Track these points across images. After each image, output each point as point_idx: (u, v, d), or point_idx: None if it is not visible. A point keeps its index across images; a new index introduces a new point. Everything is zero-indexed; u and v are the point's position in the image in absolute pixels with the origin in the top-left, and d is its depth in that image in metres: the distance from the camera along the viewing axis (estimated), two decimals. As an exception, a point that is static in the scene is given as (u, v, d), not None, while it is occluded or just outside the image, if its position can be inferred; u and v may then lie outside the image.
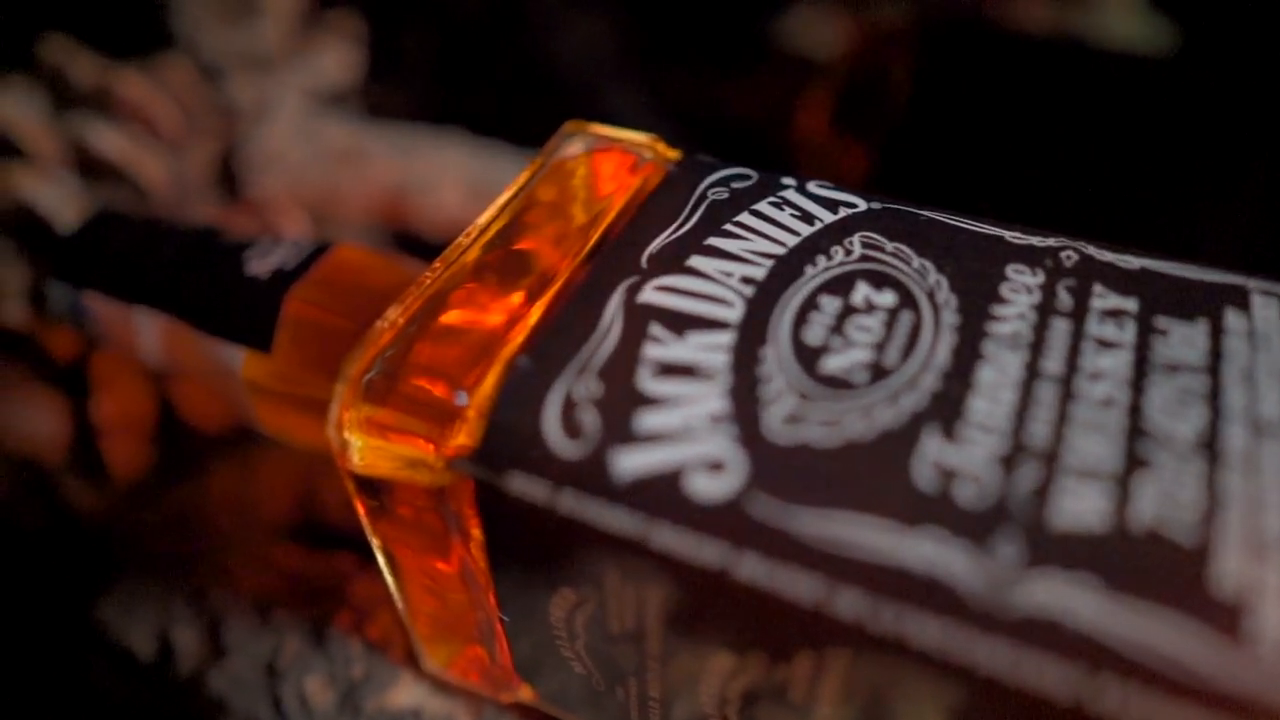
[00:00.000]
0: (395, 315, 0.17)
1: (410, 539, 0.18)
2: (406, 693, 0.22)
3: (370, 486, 0.17)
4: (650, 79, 0.42)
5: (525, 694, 0.20)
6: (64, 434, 0.28)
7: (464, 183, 0.30)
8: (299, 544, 0.28)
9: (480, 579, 0.18)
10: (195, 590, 0.26)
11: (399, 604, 0.20)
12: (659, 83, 0.42)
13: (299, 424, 0.22)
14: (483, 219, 0.19)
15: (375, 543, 0.19)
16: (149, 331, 0.23)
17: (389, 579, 0.19)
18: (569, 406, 0.15)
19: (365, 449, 0.16)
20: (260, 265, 0.22)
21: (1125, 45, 0.41)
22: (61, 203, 0.26)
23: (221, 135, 0.32)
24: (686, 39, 0.42)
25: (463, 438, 0.15)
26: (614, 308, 0.16)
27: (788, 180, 0.19)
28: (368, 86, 0.39)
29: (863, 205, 0.18)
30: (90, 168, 0.29)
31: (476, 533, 0.16)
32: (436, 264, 0.19)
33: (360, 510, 0.18)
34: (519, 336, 0.17)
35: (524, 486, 0.14)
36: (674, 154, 0.21)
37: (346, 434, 0.16)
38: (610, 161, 0.20)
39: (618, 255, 0.17)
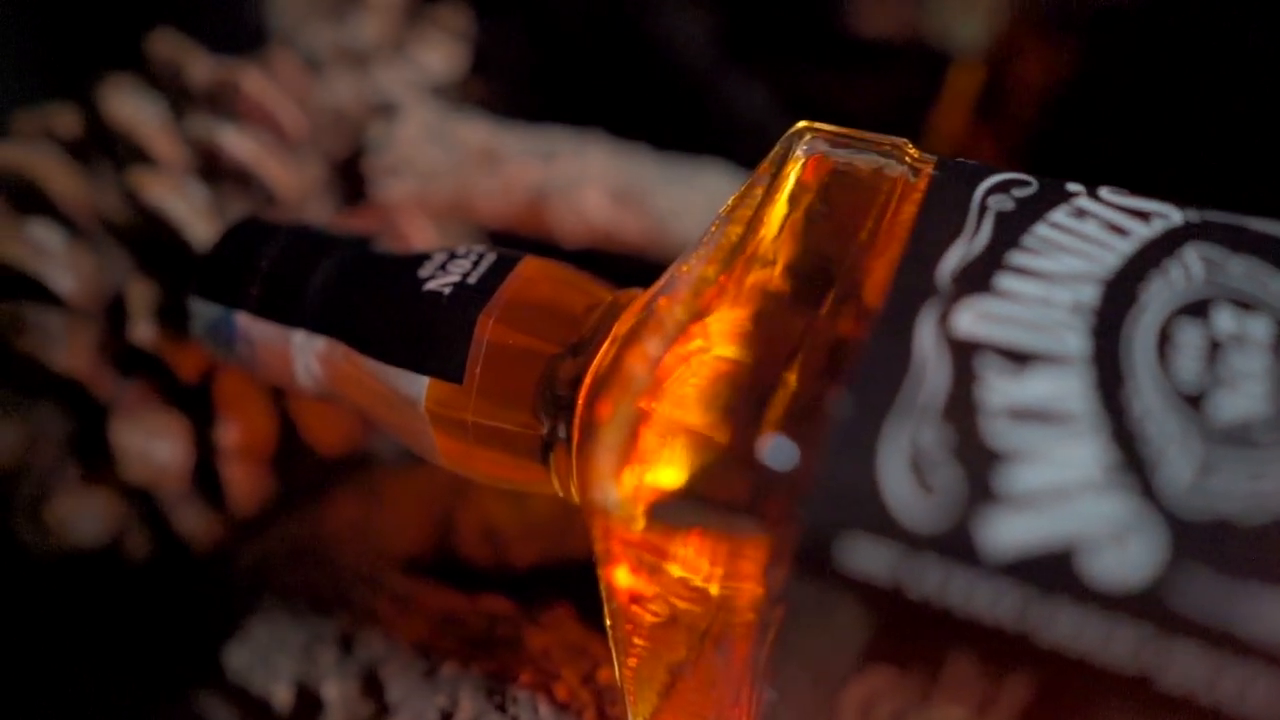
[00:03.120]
0: (652, 349, 0.15)
1: (650, 595, 0.16)
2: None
3: (626, 539, 0.15)
4: (764, 71, 0.39)
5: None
6: (186, 461, 0.26)
7: (607, 186, 0.28)
8: (434, 581, 0.26)
9: (741, 645, 0.15)
10: (341, 634, 0.24)
11: (618, 663, 0.18)
12: (774, 75, 0.39)
13: (490, 459, 0.19)
14: (729, 233, 0.17)
15: (608, 591, 0.16)
16: (308, 357, 0.21)
17: (615, 639, 0.17)
18: (916, 458, 0.12)
19: (634, 501, 0.14)
20: (439, 281, 0.19)
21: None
22: (193, 212, 0.24)
23: (337, 135, 0.30)
24: (804, 30, 0.40)
25: (758, 492, 0.13)
26: (927, 339, 0.14)
27: (1073, 186, 0.16)
28: (469, 82, 0.37)
29: (1177, 215, 0.15)
30: (210, 172, 0.27)
31: (750, 589, 0.14)
32: (669, 284, 0.17)
33: (604, 561, 0.16)
34: (799, 371, 0.14)
35: (859, 554, 0.12)
36: (916, 153, 0.18)
37: (609, 485, 0.14)
38: (853, 167, 0.18)
39: (906, 276, 0.15)
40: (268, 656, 0.24)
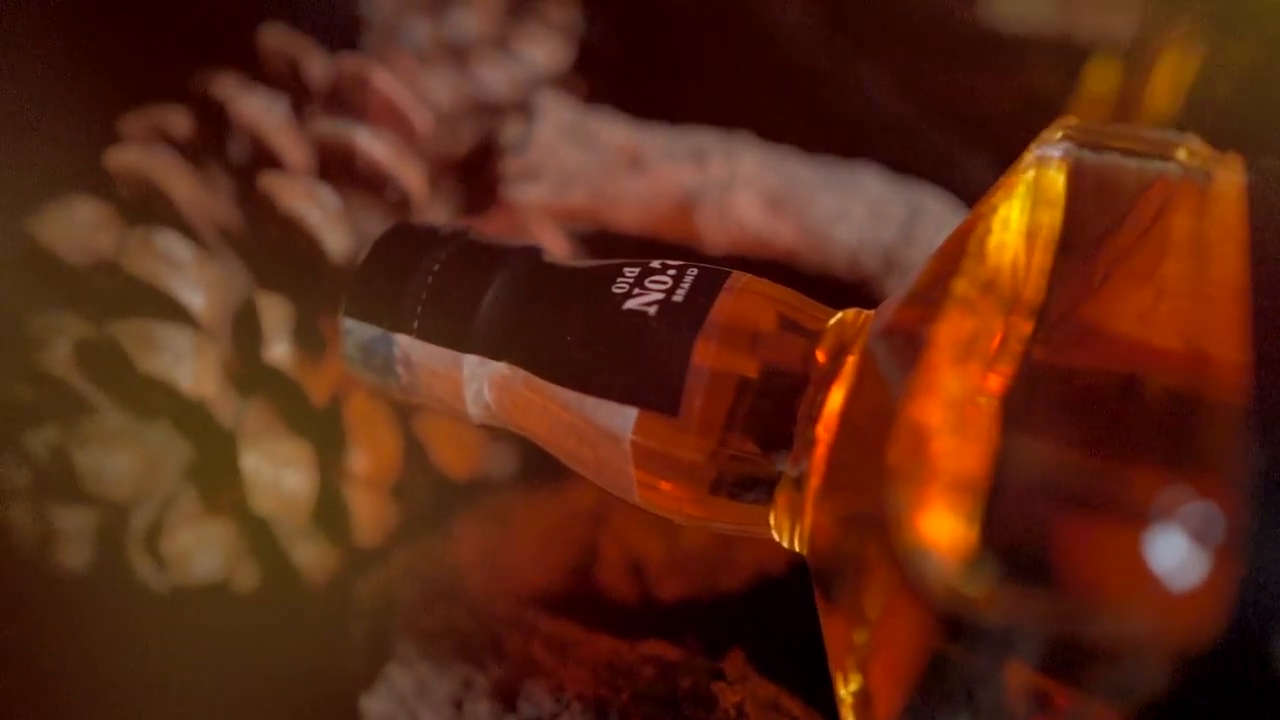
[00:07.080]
0: (952, 386, 0.13)
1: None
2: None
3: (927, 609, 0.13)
4: (889, 65, 0.37)
5: None
6: (310, 490, 0.24)
7: (760, 190, 0.26)
8: (576, 620, 0.24)
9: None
10: (495, 685, 0.21)
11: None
12: (898, 66, 0.37)
13: (699, 498, 0.17)
14: (990, 253, 0.15)
15: (889, 667, 0.14)
16: (481, 384, 0.18)
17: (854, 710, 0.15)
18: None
19: (965, 568, 0.12)
20: (639, 300, 0.17)
21: None
22: (329, 219, 0.22)
23: (441, 133, 0.28)
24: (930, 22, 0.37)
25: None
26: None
27: None
28: (571, 78, 0.35)
29: None
30: (330, 175, 0.24)
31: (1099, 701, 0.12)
32: (932, 307, 0.15)
33: (885, 628, 0.13)
34: (1133, 421, 0.12)
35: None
36: (1206, 151, 0.16)
37: (926, 548, 0.12)
38: (1117, 171, 0.16)
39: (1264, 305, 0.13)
40: (411, 708, 0.22)
